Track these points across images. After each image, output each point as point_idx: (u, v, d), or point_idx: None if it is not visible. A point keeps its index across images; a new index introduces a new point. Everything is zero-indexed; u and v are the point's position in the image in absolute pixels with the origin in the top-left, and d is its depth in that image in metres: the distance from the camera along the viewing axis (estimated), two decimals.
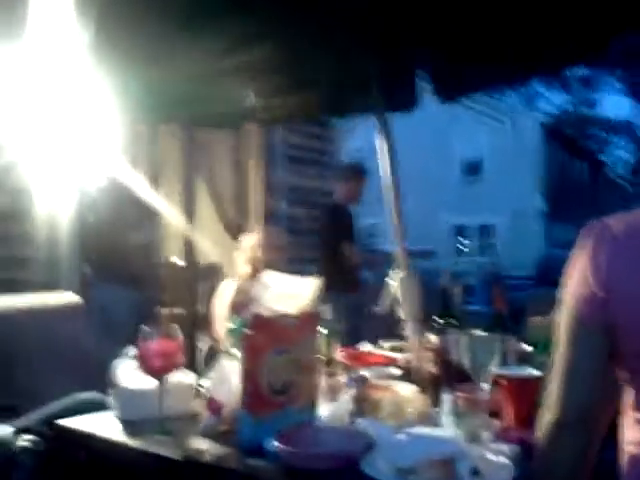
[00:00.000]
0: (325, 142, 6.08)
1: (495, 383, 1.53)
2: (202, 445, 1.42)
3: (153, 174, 4.42)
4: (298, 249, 4.49)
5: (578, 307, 0.97)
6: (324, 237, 4.22)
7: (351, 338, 3.82)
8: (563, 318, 1.00)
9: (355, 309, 3.73)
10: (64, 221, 3.73)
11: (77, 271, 3.86)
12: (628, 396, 1.00)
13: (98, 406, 1.71)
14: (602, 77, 32.64)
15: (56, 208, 3.67)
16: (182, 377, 1.65)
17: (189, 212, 4.44)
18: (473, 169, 19.92)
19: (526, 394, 1.49)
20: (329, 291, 4.25)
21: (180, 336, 1.57)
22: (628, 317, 0.93)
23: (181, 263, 4.58)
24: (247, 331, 1.42)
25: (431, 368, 1.61)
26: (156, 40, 2.18)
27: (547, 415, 1.03)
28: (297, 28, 2.33)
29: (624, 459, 1.02)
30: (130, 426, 1.55)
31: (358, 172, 4.29)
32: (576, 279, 0.98)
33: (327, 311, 2.11)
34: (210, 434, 1.48)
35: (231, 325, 1.58)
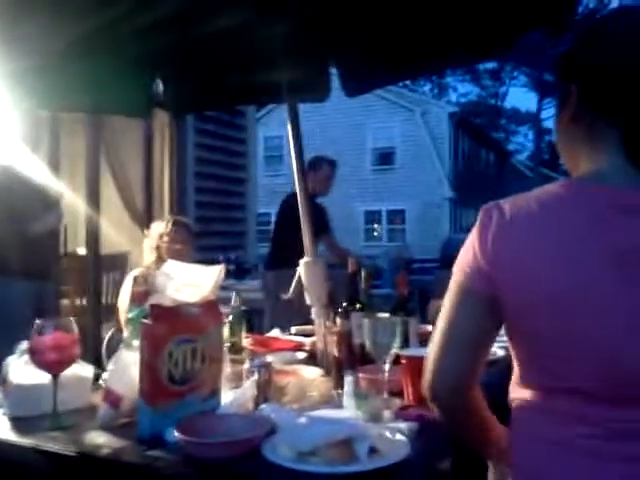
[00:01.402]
0: (238, 130, 6.00)
1: (396, 363, 1.57)
2: (99, 439, 1.37)
3: (56, 162, 4.22)
4: (208, 237, 4.44)
5: (464, 276, 1.02)
6: (278, 222, 4.35)
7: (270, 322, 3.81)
8: (450, 287, 1.04)
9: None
10: None
11: None
12: (514, 365, 1.06)
13: None
14: (509, 71, 34.18)
15: None
16: (79, 370, 1.59)
17: (94, 201, 4.27)
18: (385, 157, 20.34)
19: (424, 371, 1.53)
20: (266, 272, 4.25)
21: (75, 329, 1.51)
22: (509, 293, 0.97)
23: (84, 253, 4.41)
24: (146, 321, 1.38)
25: (335, 351, 1.62)
26: (57, 25, 2.07)
27: (425, 377, 1.08)
28: (207, 16, 2.28)
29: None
30: (21, 423, 1.47)
31: (325, 163, 4.36)
32: (465, 252, 1.03)
33: (234, 298, 2.10)
34: (108, 427, 1.43)
35: (130, 315, 1.53)
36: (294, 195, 4.40)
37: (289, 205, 4.30)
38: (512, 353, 1.06)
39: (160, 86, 2.89)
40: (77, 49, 2.29)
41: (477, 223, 1.02)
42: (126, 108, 2.92)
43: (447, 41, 2.52)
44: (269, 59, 2.34)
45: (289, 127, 2.21)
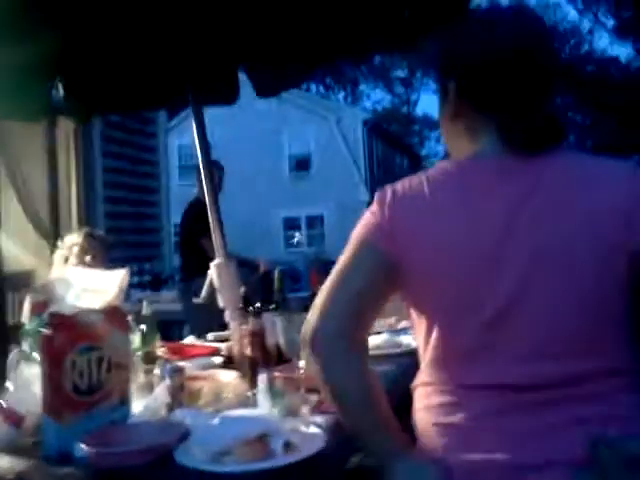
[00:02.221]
0: (148, 138, 5.86)
1: None
2: (2, 462, 1.29)
3: None
4: (121, 248, 4.30)
5: (365, 230, 1.06)
6: (183, 229, 4.32)
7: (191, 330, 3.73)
8: (348, 247, 1.06)
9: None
10: None
11: None
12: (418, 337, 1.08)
13: None
14: (419, 78, 35.27)
15: None
16: None
17: None
18: (302, 164, 20.47)
19: None
20: (181, 283, 4.14)
21: None
22: (409, 260, 1.01)
23: None
24: (45, 331, 1.31)
25: (249, 352, 1.60)
26: None
27: (305, 327, 1.07)
28: (109, 17, 2.21)
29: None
30: None
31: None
32: (366, 217, 1.07)
33: (145, 307, 2.04)
34: (11, 449, 1.34)
35: (28, 327, 1.45)
36: (194, 203, 4.40)
37: (191, 213, 4.28)
38: (413, 329, 1.10)
39: (61, 91, 2.78)
40: None
41: (374, 201, 1.08)
42: (23, 113, 2.79)
43: (347, 37, 2.57)
44: (173, 62, 2.30)
45: (194, 130, 2.17)
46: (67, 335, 1.31)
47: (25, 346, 1.46)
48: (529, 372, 0.95)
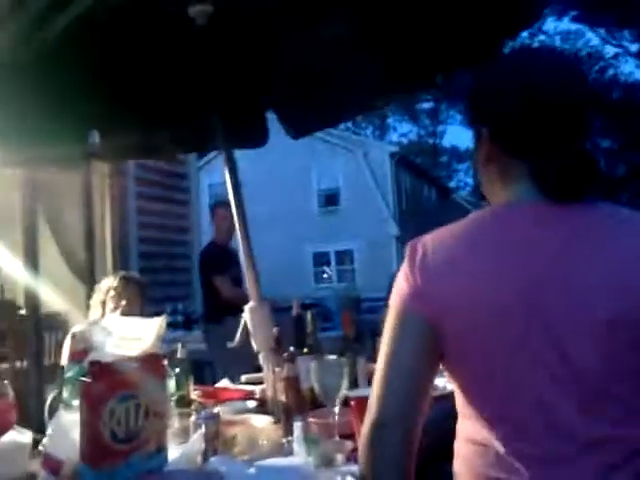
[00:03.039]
0: (180, 179, 5.98)
1: (346, 405, 1.56)
2: None
3: None
4: (154, 288, 4.35)
5: (402, 303, 1.03)
6: (201, 272, 4.41)
7: (216, 374, 3.75)
8: (388, 320, 1.04)
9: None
10: None
11: None
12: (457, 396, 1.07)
13: None
14: (445, 110, 35.41)
15: None
16: (15, 437, 1.51)
17: (32, 259, 4.14)
18: (330, 199, 20.58)
19: None
20: (205, 325, 4.19)
21: (11, 393, 1.44)
22: (443, 318, 0.99)
23: (23, 313, 4.25)
24: (84, 379, 1.33)
25: (283, 397, 1.60)
26: None
27: (367, 416, 1.03)
28: (141, 64, 2.30)
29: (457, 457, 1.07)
30: None
31: (224, 208, 4.33)
32: (400, 283, 1.05)
33: (180, 350, 2.06)
34: None
35: (68, 374, 1.47)
36: (208, 245, 4.47)
37: (205, 255, 4.35)
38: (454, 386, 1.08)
39: (96, 137, 2.87)
40: (9, 101, 2.26)
41: (405, 259, 1.05)
42: (63, 160, 2.88)
43: (381, 80, 2.61)
44: (203, 107, 2.36)
45: (227, 175, 2.22)
46: (106, 383, 1.33)
47: (65, 393, 1.48)
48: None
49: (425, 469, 1.67)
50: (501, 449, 0.97)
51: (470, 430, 1.04)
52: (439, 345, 1.01)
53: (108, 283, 2.71)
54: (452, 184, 34.91)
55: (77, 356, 1.52)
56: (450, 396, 2.09)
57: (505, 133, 1.04)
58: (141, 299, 2.76)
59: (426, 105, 34.92)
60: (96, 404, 1.32)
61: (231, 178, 2.21)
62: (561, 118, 1.00)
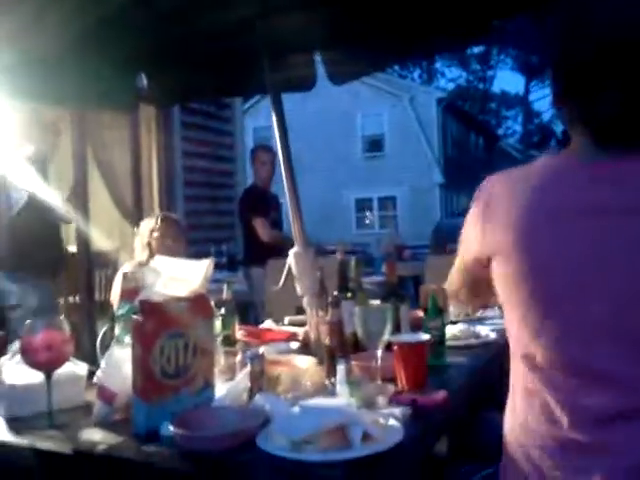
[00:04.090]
0: (225, 122, 5.97)
1: (388, 350, 1.58)
2: (95, 436, 1.38)
3: (42, 160, 4.19)
4: (199, 230, 4.43)
5: (465, 234, 1.19)
6: (241, 215, 4.44)
7: (258, 314, 3.84)
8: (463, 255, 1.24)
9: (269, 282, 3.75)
10: None
11: None
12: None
13: None
14: (496, 55, 34.16)
15: None
16: (72, 368, 1.59)
17: (83, 198, 4.25)
18: (375, 144, 20.33)
19: (416, 357, 1.55)
20: (246, 267, 4.28)
21: (67, 327, 1.51)
22: (509, 258, 1.06)
23: (75, 251, 4.40)
24: (136, 317, 1.38)
25: (327, 340, 1.63)
26: (42, 23, 2.06)
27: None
28: (188, 6, 2.27)
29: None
30: (16, 424, 1.47)
31: (265, 152, 4.33)
32: (466, 228, 1.19)
33: (225, 290, 2.10)
34: (103, 424, 1.43)
35: (120, 312, 1.53)
36: (248, 189, 4.49)
37: (244, 199, 4.39)
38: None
39: (144, 80, 2.88)
40: (63, 46, 2.28)
41: (474, 199, 1.15)
42: (112, 103, 2.92)
43: (431, 27, 2.53)
44: (252, 51, 2.33)
45: (273, 119, 2.20)
46: (156, 322, 1.38)
47: (117, 329, 1.54)
48: None
49: (467, 416, 1.69)
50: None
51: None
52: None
53: (149, 225, 2.76)
54: (500, 131, 33.99)
55: (128, 295, 1.57)
56: (492, 344, 2.10)
57: (566, 74, 1.03)
58: (184, 239, 2.83)
59: (476, 49, 33.73)
60: (147, 341, 1.37)
61: (278, 122, 2.20)
62: (625, 59, 0.97)
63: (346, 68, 2.88)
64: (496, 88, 37.10)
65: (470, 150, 23.72)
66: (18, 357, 1.56)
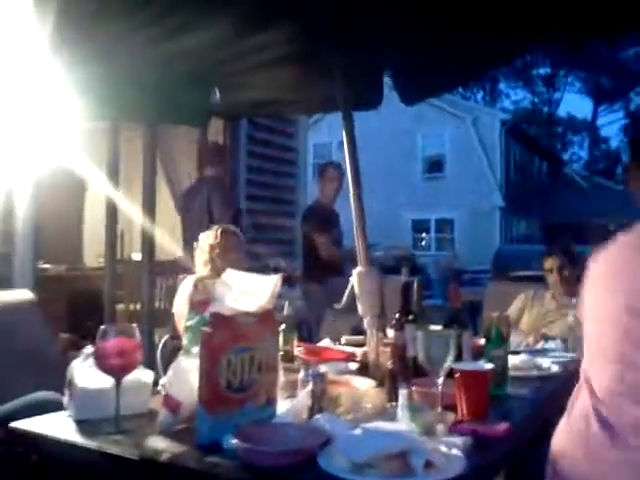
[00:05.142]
0: (289, 138, 6.07)
1: (450, 377, 1.57)
2: (159, 444, 1.42)
3: (113, 168, 4.36)
4: (259, 245, 4.50)
5: None
6: (303, 232, 4.51)
7: (313, 332, 3.86)
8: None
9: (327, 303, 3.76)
10: (18, 217, 3.66)
11: (31, 267, 3.79)
12: None
13: (53, 406, 1.68)
14: (563, 76, 33.46)
15: (10, 204, 3.59)
16: (140, 375, 1.64)
17: (150, 207, 4.39)
18: (435, 165, 20.17)
19: (478, 386, 1.53)
20: (305, 284, 4.32)
21: (138, 334, 1.56)
22: None
23: (139, 258, 4.53)
24: (206, 329, 1.42)
25: (388, 363, 1.63)
26: (116, 37, 2.16)
27: None
28: (265, 26, 2.33)
29: None
30: (85, 426, 1.53)
31: (334, 169, 4.38)
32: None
33: (287, 307, 2.13)
34: (167, 432, 1.47)
35: (190, 323, 1.57)
36: (312, 205, 4.52)
37: (308, 215, 4.42)
38: None
39: (217, 95, 2.97)
40: (140, 60, 2.38)
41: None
42: (188, 118, 3.01)
43: (497, 46, 2.52)
44: (324, 70, 2.37)
45: (344, 135, 2.23)
46: (226, 335, 1.41)
47: (185, 339, 1.58)
48: None
49: (526, 450, 1.65)
50: None
51: None
52: None
53: (209, 240, 2.78)
54: (565, 157, 33.18)
55: (198, 306, 1.61)
56: (553, 377, 2.05)
57: None
58: (242, 251, 2.84)
59: (542, 70, 33.14)
60: (215, 353, 1.41)
61: (348, 139, 2.22)
62: None
63: (417, 88, 2.89)
64: (562, 111, 36.36)
65: (533, 175, 23.22)
66: (90, 361, 1.63)
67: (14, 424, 1.54)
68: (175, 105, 2.67)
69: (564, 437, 1.14)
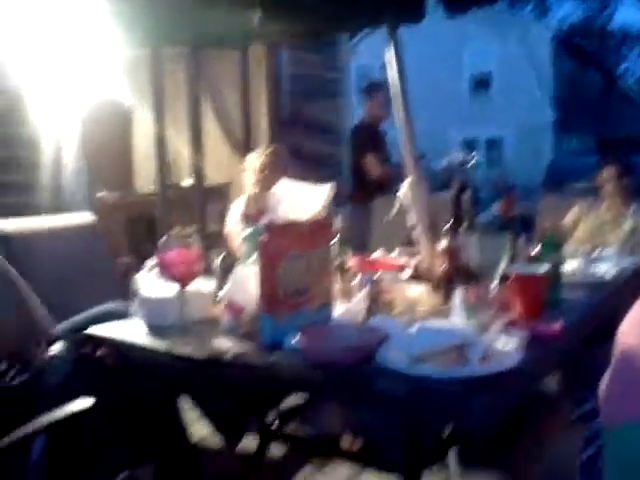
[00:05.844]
0: (331, 59, 5.93)
1: (504, 280, 1.58)
2: (226, 344, 1.49)
3: (158, 96, 4.38)
4: (301, 172, 4.50)
5: None
6: (351, 152, 4.55)
7: (368, 245, 3.90)
8: None
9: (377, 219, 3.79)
10: (68, 149, 3.75)
11: (86, 195, 3.90)
12: None
13: (121, 315, 1.78)
14: None
15: (60, 133, 3.68)
16: (202, 284, 1.71)
17: (197, 133, 4.42)
18: (482, 83, 19.49)
19: (532, 288, 1.54)
20: (354, 203, 4.35)
21: (198, 246, 1.62)
22: None
23: (188, 184, 4.61)
24: (263, 238, 1.46)
25: (442, 268, 1.65)
26: None
27: None
28: None
29: None
30: (154, 331, 1.62)
31: (379, 89, 4.30)
32: None
33: (340, 219, 2.16)
34: (231, 335, 1.55)
35: (246, 233, 1.62)
36: (359, 125, 4.47)
37: (356, 135, 4.37)
38: None
39: (257, 19, 2.91)
40: None
41: None
42: (227, 41, 2.98)
43: None
44: None
45: (389, 52, 2.18)
46: (281, 243, 1.46)
47: (243, 247, 1.63)
48: None
49: (581, 351, 1.68)
50: None
51: None
52: None
53: (258, 160, 2.78)
54: (619, 71, 31.48)
55: (252, 219, 1.66)
56: (609, 283, 2.04)
57: None
58: (288, 169, 2.84)
59: None
60: (271, 260, 1.46)
61: (395, 56, 2.17)
62: None
63: None
64: (615, 24, 34.15)
65: (585, 89, 22.24)
66: (153, 272, 1.71)
67: (89, 330, 1.64)
68: (215, 28, 2.64)
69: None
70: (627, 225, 2.66)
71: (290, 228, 1.52)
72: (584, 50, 22.92)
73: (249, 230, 1.64)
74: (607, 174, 2.97)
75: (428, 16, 2.85)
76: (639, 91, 26.37)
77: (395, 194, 2.22)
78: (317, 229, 1.55)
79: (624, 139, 16.20)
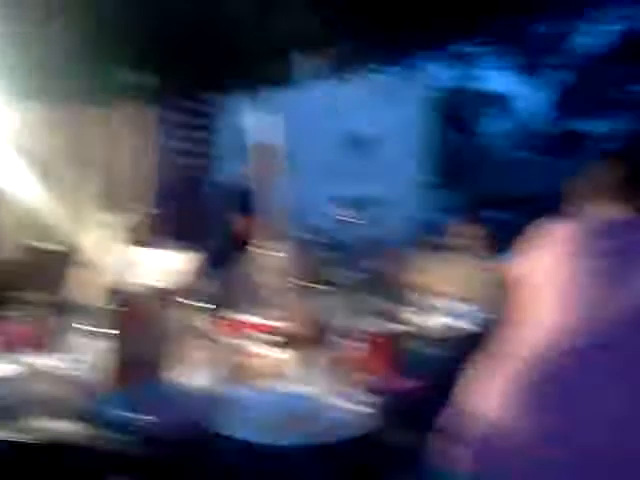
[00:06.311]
0: (205, 119, 5.93)
1: (362, 340, 1.60)
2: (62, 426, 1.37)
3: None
4: (180, 229, 4.41)
5: None
6: (223, 210, 4.41)
7: (231, 307, 3.83)
8: None
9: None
10: None
11: None
12: None
13: None
14: (481, 54, 34.07)
15: None
16: (46, 360, 1.59)
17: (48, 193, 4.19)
18: (358, 143, 20.29)
19: (389, 346, 1.57)
20: (218, 263, 4.25)
21: (46, 320, 1.51)
22: None
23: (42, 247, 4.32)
24: (117, 310, 1.39)
25: (301, 330, 1.65)
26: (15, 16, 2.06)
27: None
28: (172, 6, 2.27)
29: None
30: None
31: (256, 149, 4.32)
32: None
33: (202, 283, 2.10)
34: (69, 414, 1.42)
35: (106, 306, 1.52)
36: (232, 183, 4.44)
37: (230, 192, 4.37)
38: None
39: (127, 76, 2.89)
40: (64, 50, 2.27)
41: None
42: (88, 96, 2.91)
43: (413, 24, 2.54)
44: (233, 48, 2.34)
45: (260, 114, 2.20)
46: (131, 315, 1.39)
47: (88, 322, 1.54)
48: None
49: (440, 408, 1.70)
50: None
51: None
52: None
53: (129, 221, 2.67)
54: (481, 129, 33.98)
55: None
56: (463, 339, 2.09)
57: None
58: (160, 233, 2.75)
59: (461, 49, 33.56)
60: (123, 332, 1.38)
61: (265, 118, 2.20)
62: None
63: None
64: (479, 85, 37.14)
65: (453, 148, 23.71)
66: None
67: None
68: (85, 86, 2.58)
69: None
70: (480, 280, 2.77)
71: (139, 299, 1.45)
72: (451, 111, 24.62)
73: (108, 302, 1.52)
74: (461, 230, 3.10)
75: (319, 79, 2.92)
76: (502, 147, 28.52)
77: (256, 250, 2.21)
78: (167, 298, 1.50)
79: (496, 196, 17.28)
